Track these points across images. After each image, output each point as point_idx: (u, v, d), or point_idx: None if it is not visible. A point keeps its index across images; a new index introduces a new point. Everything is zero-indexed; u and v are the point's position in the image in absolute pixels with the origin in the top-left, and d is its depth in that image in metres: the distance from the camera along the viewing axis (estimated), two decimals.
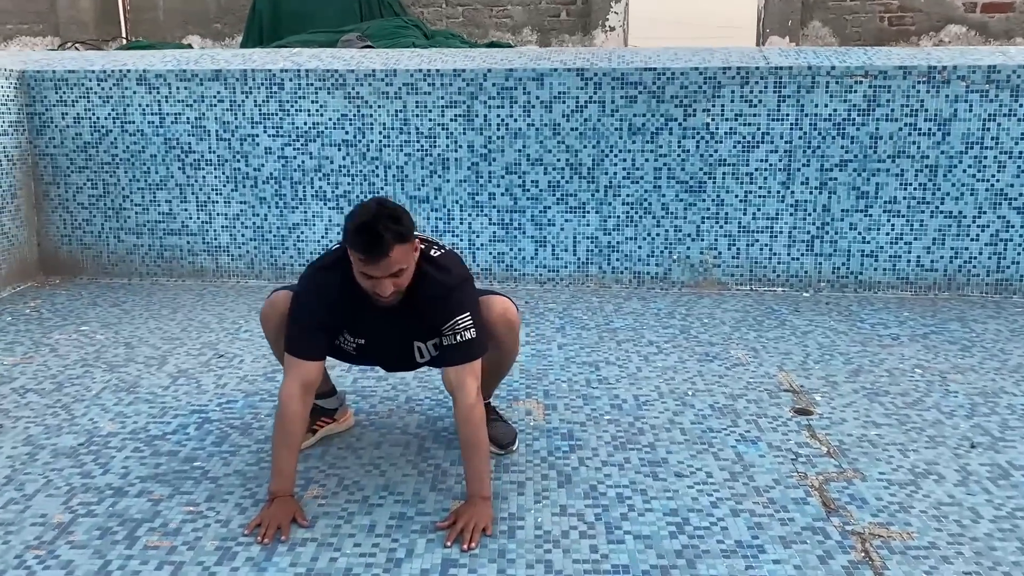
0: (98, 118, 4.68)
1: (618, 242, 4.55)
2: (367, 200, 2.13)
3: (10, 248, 4.59)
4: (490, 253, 4.62)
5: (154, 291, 4.55)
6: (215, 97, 4.61)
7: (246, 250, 4.76)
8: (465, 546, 2.04)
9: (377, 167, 4.59)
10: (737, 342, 3.62)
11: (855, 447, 2.59)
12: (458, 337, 2.18)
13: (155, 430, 2.73)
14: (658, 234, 4.52)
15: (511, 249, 4.60)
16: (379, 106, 4.51)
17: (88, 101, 4.67)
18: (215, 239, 4.76)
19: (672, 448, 2.59)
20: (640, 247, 4.54)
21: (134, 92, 4.64)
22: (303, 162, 4.62)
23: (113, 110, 4.67)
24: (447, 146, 4.52)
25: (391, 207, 2.07)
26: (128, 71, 4.63)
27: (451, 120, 4.49)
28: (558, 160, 4.48)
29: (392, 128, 4.53)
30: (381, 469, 2.46)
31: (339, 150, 4.58)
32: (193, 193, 4.72)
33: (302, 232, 4.70)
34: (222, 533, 2.12)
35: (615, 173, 4.47)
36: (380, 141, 4.55)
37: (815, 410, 2.87)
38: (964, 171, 4.30)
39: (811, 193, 4.41)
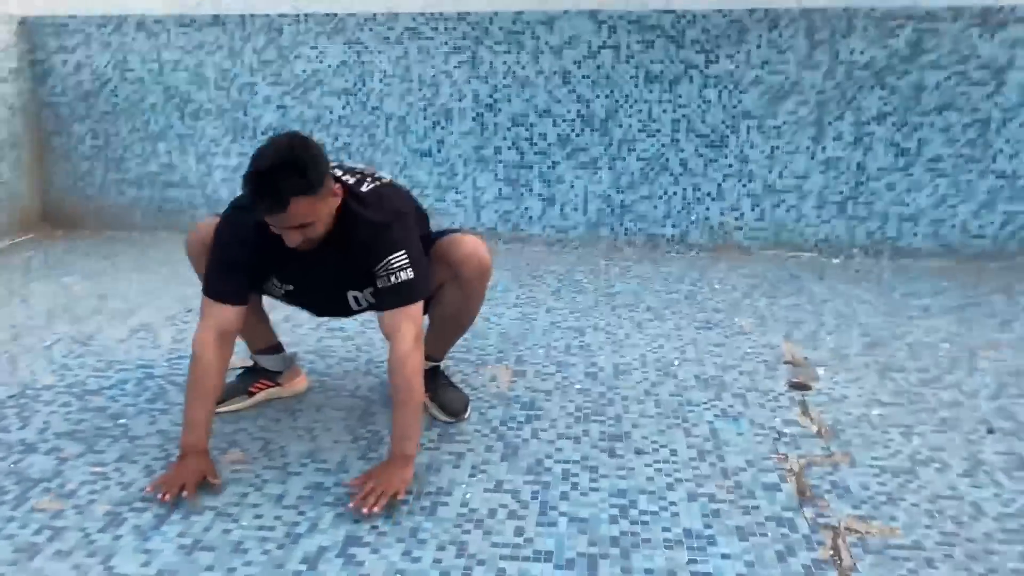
0: (98, 65, 4.54)
1: (632, 201, 4.22)
2: (279, 136, 1.88)
3: (10, 199, 4.50)
4: (495, 212, 4.34)
5: (152, 245, 4.41)
6: (213, 43, 4.41)
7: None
8: (366, 510, 1.81)
9: (378, 118, 4.34)
10: (745, 310, 3.28)
11: (850, 428, 2.27)
12: (392, 278, 1.94)
13: (93, 384, 2.56)
14: (675, 193, 4.18)
15: (517, 208, 4.32)
16: (380, 52, 4.25)
17: (88, 48, 4.53)
18: (215, 192, 4.59)
19: (640, 422, 2.30)
20: (656, 207, 4.21)
21: (133, 38, 4.48)
22: (302, 112, 4.40)
23: (112, 57, 4.52)
24: (451, 95, 4.25)
25: (298, 152, 1.81)
26: (127, 16, 4.47)
27: (455, 68, 4.21)
28: (568, 111, 4.17)
29: (393, 76, 4.27)
30: (313, 434, 2.25)
31: (339, 99, 4.35)
32: (192, 144, 4.56)
33: None
34: (119, 497, 1.93)
35: (630, 126, 4.14)
36: (381, 90, 4.30)
37: (814, 385, 2.55)
38: (1020, 126, 3.84)
39: (845, 150, 4.00)
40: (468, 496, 1.93)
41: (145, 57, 4.48)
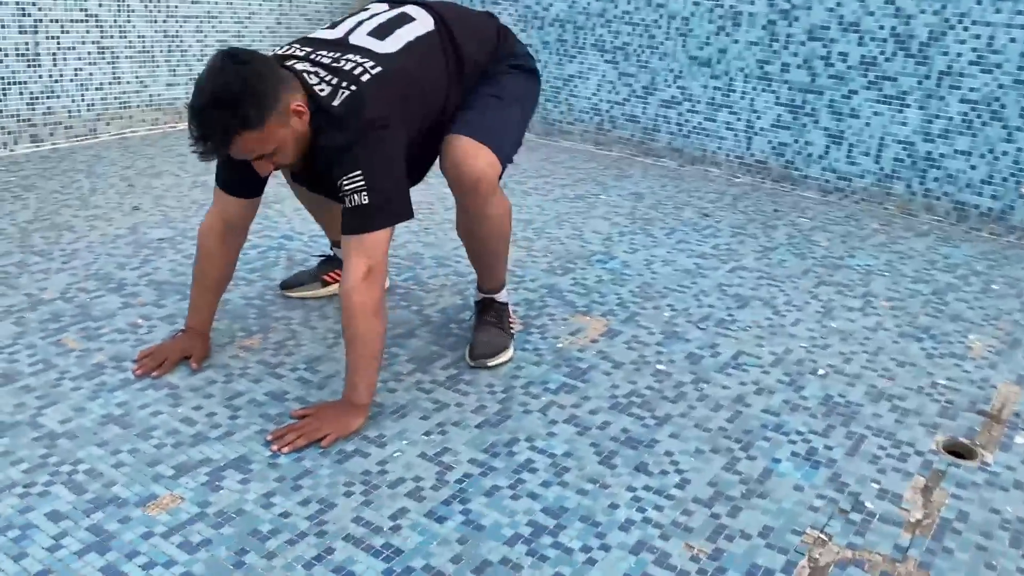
0: None
1: (943, 154, 3.24)
2: (213, 62, 1.59)
3: None
4: (769, 142, 3.64)
5: None
6: None
7: None
8: (275, 447, 1.62)
9: (660, 16, 3.83)
10: (1006, 323, 2.35)
11: (972, 534, 1.49)
12: (347, 201, 1.64)
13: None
14: (1005, 152, 3.11)
15: (796, 141, 3.57)
16: None
17: None
18: None
19: (688, 435, 1.76)
20: (974, 167, 3.18)
21: None
22: (588, 4, 4.05)
23: None
24: None
25: (231, 84, 1.54)
26: None
27: None
28: (881, 27, 3.27)
29: None
30: (338, 343, 2.07)
31: None
32: None
33: (575, 86, 4.20)
34: (122, 352, 1.97)
35: (959, 54, 3.13)
36: None
37: (981, 458, 1.72)
38: None
39: None
40: (396, 455, 1.64)
41: None
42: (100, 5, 3.57)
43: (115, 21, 3.63)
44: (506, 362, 2.00)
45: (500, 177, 1.86)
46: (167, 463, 1.58)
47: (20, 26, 3.32)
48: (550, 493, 1.54)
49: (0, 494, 1.46)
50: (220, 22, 4.04)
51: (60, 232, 2.65)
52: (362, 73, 1.70)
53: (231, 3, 4.07)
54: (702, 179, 3.74)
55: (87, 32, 3.54)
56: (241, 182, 1.84)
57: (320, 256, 2.39)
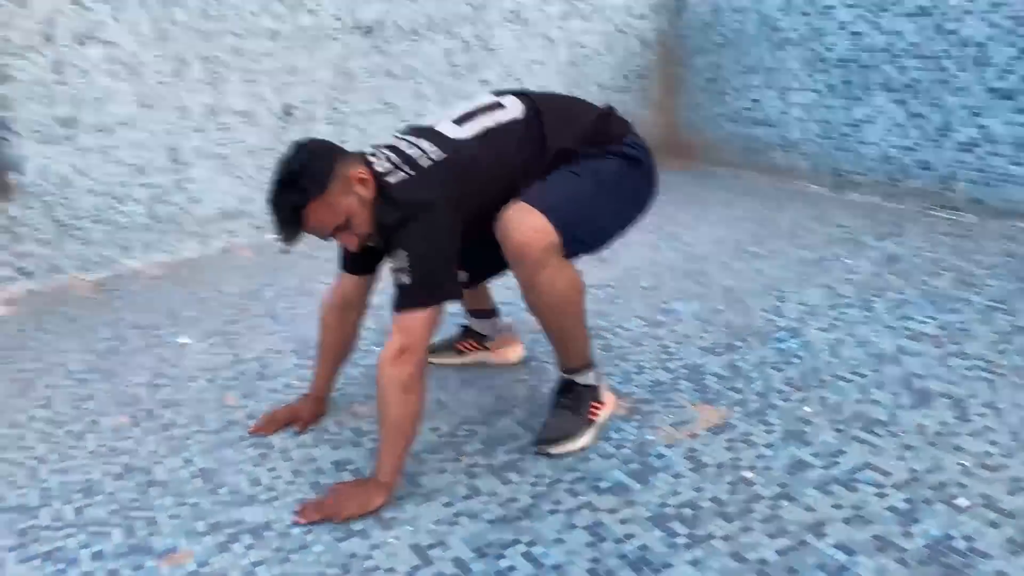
0: None
1: None
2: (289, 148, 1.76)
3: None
4: None
5: (729, 181, 4.27)
6: None
7: (812, 148, 4.00)
8: (294, 517, 1.70)
9: (951, 44, 3.22)
10: None
11: None
12: (394, 279, 1.70)
13: None
14: None
15: None
16: None
17: None
18: (788, 132, 4.13)
19: (714, 553, 1.45)
20: None
21: None
22: (872, 40, 3.56)
23: None
24: None
25: (290, 165, 1.70)
26: None
27: None
28: None
29: None
30: (444, 414, 2.09)
31: (911, 21, 3.37)
32: (776, 78, 4.15)
33: (863, 131, 3.69)
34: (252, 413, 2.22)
35: None
36: (961, 7, 3.16)
37: None
38: None
39: None
40: (391, 542, 1.61)
41: None
42: None
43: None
44: (573, 451, 1.84)
45: (567, 252, 1.74)
46: (208, 519, 1.74)
47: None
48: None
49: (78, 529, 1.74)
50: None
51: (295, 298, 3.04)
52: (421, 157, 1.75)
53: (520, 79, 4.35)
54: (999, 238, 3.02)
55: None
56: (353, 260, 1.98)
57: (461, 325, 2.43)
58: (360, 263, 1.96)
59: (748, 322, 2.47)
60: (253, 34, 3.66)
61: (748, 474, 1.70)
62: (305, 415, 2.09)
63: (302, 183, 1.67)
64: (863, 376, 2.07)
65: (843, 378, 2.07)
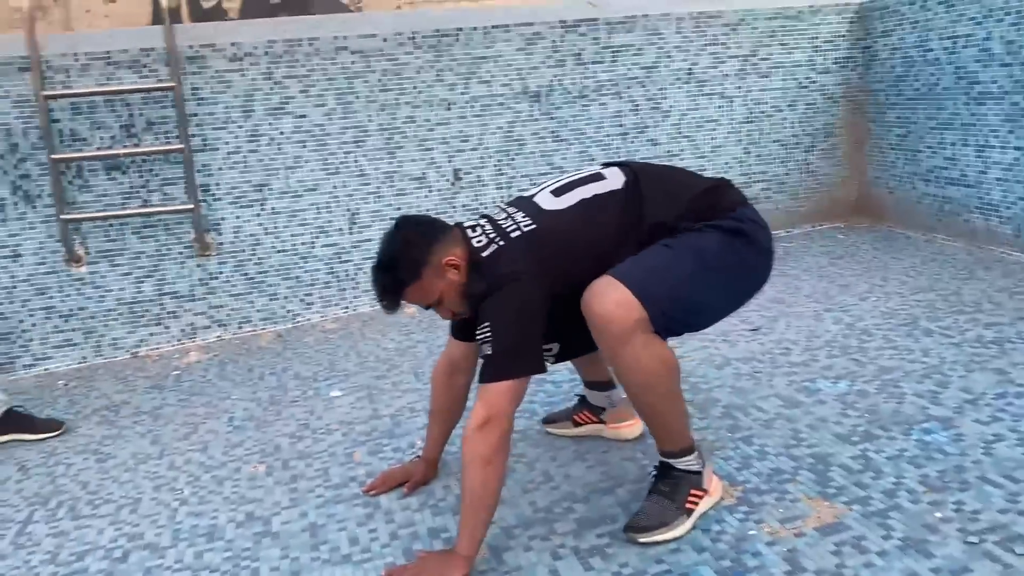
0: (907, 46, 4.18)
1: None
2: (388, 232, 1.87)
3: (820, 186, 4.63)
4: None
5: (914, 247, 3.95)
6: (1002, 8, 3.54)
7: (1013, 212, 3.60)
8: None
9: None
10: None
11: None
12: (481, 350, 1.73)
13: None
14: None
15: None
16: None
17: (901, 29, 4.21)
18: (987, 194, 3.75)
19: None
20: None
21: (935, 13, 3.95)
22: None
23: (918, 36, 4.09)
24: None
25: (392, 250, 1.81)
26: None
27: None
28: None
29: None
30: (550, 489, 2.07)
31: None
32: (974, 135, 3.80)
33: None
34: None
35: None
36: None
37: None
38: None
39: None
40: None
41: (941, 33, 3.92)
42: None
43: None
44: (664, 541, 1.75)
45: (659, 329, 1.69)
46: (302, 575, 1.82)
47: None
48: None
49: (192, 572, 1.88)
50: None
51: None
52: (513, 229, 1.80)
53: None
54: None
55: None
56: (460, 327, 2.05)
57: (578, 395, 2.40)
58: (466, 330, 2.00)
59: (897, 408, 2.24)
60: (428, 104, 3.88)
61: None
62: (417, 476, 2.15)
63: (399, 271, 1.78)
64: (1016, 481, 1.81)
65: (991, 481, 1.82)
